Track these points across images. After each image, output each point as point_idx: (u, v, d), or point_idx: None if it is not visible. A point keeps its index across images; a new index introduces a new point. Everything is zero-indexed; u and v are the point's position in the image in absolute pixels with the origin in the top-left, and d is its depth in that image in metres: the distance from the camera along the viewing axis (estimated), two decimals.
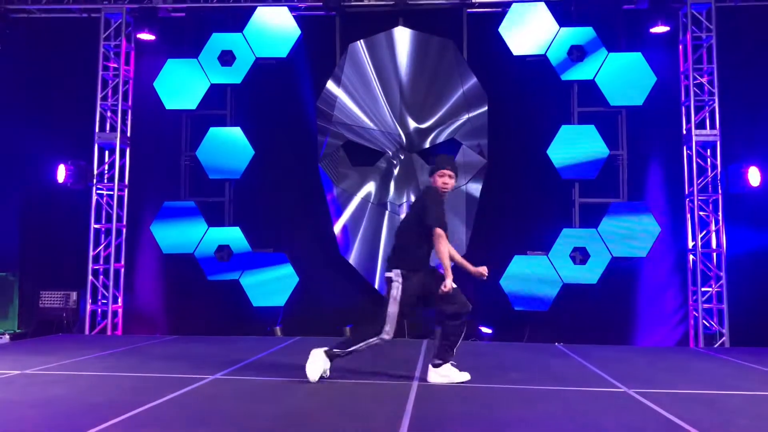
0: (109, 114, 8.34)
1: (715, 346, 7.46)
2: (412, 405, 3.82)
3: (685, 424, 3.43)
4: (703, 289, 7.62)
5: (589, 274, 7.65)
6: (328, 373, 4.54)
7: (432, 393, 4.18)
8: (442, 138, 7.94)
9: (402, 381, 4.56)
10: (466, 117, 7.90)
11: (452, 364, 4.57)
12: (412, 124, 7.94)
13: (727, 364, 5.73)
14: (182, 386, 4.29)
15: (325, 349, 4.52)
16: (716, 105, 7.76)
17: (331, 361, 4.52)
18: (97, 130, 8.26)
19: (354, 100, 8.01)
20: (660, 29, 7.90)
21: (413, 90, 7.98)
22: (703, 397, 4.24)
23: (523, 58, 7.95)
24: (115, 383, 4.48)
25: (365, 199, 8.00)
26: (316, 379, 4.43)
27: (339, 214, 7.99)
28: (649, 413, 3.71)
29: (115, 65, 8.40)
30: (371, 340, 4.43)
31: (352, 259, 7.93)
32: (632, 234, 7.64)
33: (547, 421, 3.54)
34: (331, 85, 8.04)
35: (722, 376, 5.13)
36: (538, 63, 7.95)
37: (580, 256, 7.71)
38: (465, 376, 4.54)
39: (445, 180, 4.55)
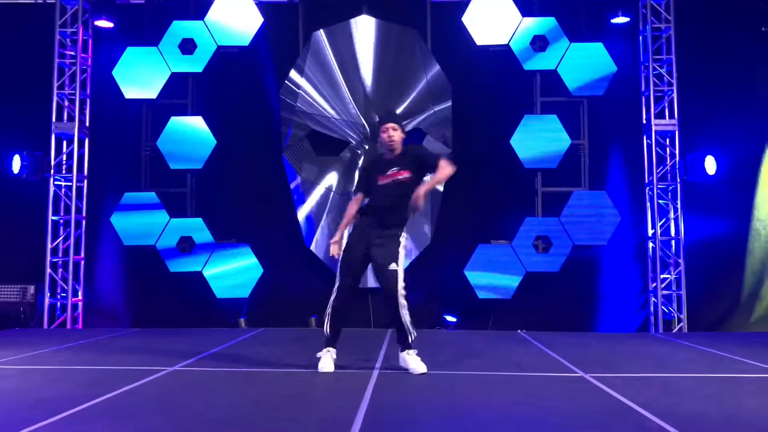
0: (66, 103, 8.15)
1: (674, 331, 7.62)
2: (371, 393, 3.82)
3: (636, 405, 3.50)
4: (662, 276, 7.78)
5: (552, 262, 7.75)
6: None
7: (392, 381, 4.19)
8: (407, 126, 7.92)
9: (362, 370, 4.55)
10: (431, 110, 7.89)
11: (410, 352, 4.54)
12: (376, 114, 7.92)
13: (682, 349, 5.85)
14: (139, 378, 4.23)
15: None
16: (675, 95, 7.90)
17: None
18: (54, 119, 8.07)
19: (317, 90, 7.96)
20: (620, 20, 8.02)
21: (377, 79, 7.96)
22: (657, 380, 4.33)
23: (486, 48, 7.99)
24: (71, 377, 4.39)
25: (329, 189, 7.97)
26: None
27: (302, 203, 7.94)
28: (602, 396, 3.77)
29: (72, 53, 8.20)
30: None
31: (316, 248, 7.90)
32: (593, 222, 7.75)
33: (504, 406, 3.58)
34: (293, 74, 7.98)
35: (676, 360, 5.25)
36: (501, 53, 7.99)
37: (543, 244, 7.81)
38: (422, 368, 4.46)
39: (389, 134, 4.52)
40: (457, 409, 3.50)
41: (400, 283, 4.41)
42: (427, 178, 4.53)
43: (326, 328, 4.61)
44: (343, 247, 4.57)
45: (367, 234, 4.51)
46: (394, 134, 4.54)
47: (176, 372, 4.54)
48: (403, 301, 4.41)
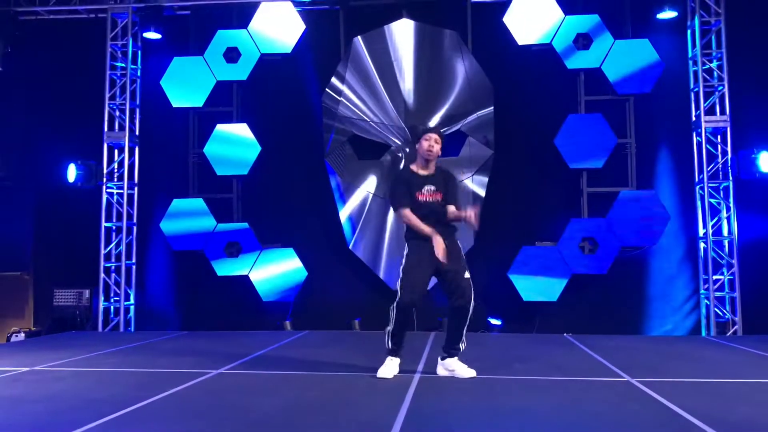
0: (117, 113, 8.43)
1: (728, 334, 7.37)
2: (411, 396, 3.83)
3: (683, 412, 3.40)
4: (714, 277, 7.53)
5: (599, 263, 7.58)
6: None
7: (433, 385, 4.18)
8: (448, 131, 7.90)
9: (404, 374, 4.55)
10: (474, 115, 7.84)
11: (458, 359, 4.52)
12: (418, 117, 7.91)
13: (736, 352, 5.66)
14: (186, 381, 4.34)
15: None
16: (726, 90, 7.64)
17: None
18: (105, 129, 8.36)
19: (358, 96, 8.01)
20: (667, 14, 7.79)
21: (417, 83, 7.95)
22: (707, 385, 4.20)
23: (528, 48, 7.88)
24: (121, 379, 4.53)
25: (369, 192, 8.00)
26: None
27: (344, 206, 8.00)
28: (648, 402, 3.69)
29: (123, 64, 8.47)
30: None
31: (360, 252, 7.95)
32: (642, 222, 7.54)
33: (545, 411, 3.53)
34: (335, 80, 8.05)
35: (729, 364, 5.08)
36: (543, 52, 7.87)
37: (589, 245, 7.65)
38: (470, 373, 4.45)
39: (431, 144, 4.48)
40: (496, 414, 3.47)
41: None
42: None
43: (387, 343, 4.51)
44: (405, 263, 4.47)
45: (429, 248, 4.36)
46: (436, 146, 4.51)
47: (221, 375, 4.63)
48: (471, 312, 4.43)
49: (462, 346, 4.48)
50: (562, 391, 4.03)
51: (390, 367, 4.46)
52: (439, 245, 4.30)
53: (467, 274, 4.42)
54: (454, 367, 4.46)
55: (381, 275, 7.86)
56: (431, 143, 4.50)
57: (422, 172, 4.55)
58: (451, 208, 4.46)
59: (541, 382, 4.36)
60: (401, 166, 7.87)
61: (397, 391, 3.97)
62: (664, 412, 3.46)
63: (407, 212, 4.46)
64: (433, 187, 4.47)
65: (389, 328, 4.46)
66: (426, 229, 4.39)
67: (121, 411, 3.52)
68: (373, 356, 5.11)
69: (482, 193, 7.83)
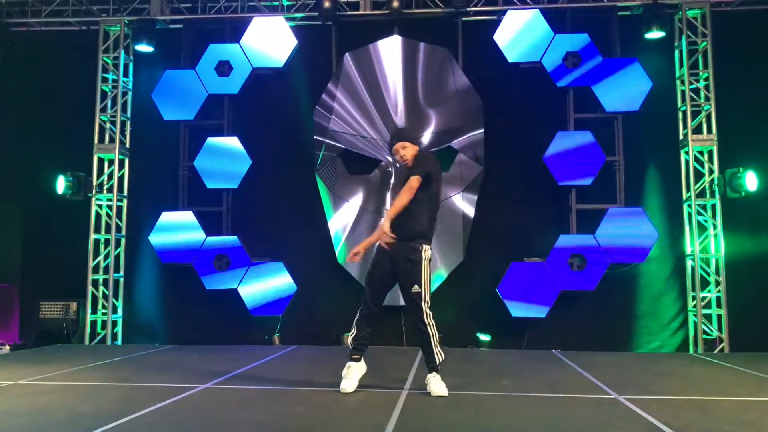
0: (108, 125, 8.42)
1: (715, 351, 7.40)
2: (399, 413, 3.81)
3: (670, 430, 3.41)
4: (702, 294, 7.58)
5: (587, 280, 7.61)
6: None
7: (421, 401, 4.17)
8: (439, 148, 7.93)
9: (392, 390, 4.54)
10: (465, 136, 7.88)
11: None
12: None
13: (723, 370, 5.68)
14: (172, 395, 4.30)
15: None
16: (713, 110, 7.73)
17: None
18: (96, 141, 8.33)
19: (349, 111, 8.05)
20: (655, 34, 7.89)
21: (408, 99, 8.01)
22: (694, 403, 4.22)
23: (518, 65, 7.95)
24: (106, 393, 4.50)
25: (362, 208, 8.01)
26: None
27: (335, 221, 8.00)
28: (635, 420, 3.69)
29: (114, 77, 8.48)
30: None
31: (350, 266, 7.94)
32: (630, 239, 7.59)
33: (532, 428, 3.53)
34: (327, 94, 8.09)
35: (716, 381, 5.10)
36: (533, 70, 7.95)
37: (578, 262, 7.68)
38: (442, 391, 4.34)
39: (401, 154, 4.53)
40: (484, 429, 3.46)
41: (425, 304, 4.31)
42: None
43: (349, 341, 4.56)
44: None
45: (386, 257, 4.39)
46: (405, 152, 4.52)
47: (207, 390, 4.60)
48: (429, 322, 4.32)
49: (438, 359, 4.36)
50: (550, 407, 4.03)
51: (350, 378, 4.42)
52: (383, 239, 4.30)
53: (416, 288, 4.31)
54: (428, 382, 4.39)
55: None
56: (400, 154, 4.54)
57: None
58: (384, 223, 4.29)
59: (528, 398, 4.36)
60: (392, 181, 7.91)
61: (385, 407, 3.96)
62: (651, 429, 3.47)
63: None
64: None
65: (352, 334, 4.52)
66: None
67: (105, 426, 3.49)
68: (371, 370, 5.10)
69: (471, 208, 7.86)
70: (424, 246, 4.38)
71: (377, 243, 4.47)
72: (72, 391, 4.58)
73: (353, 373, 4.46)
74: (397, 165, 4.63)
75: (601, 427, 3.54)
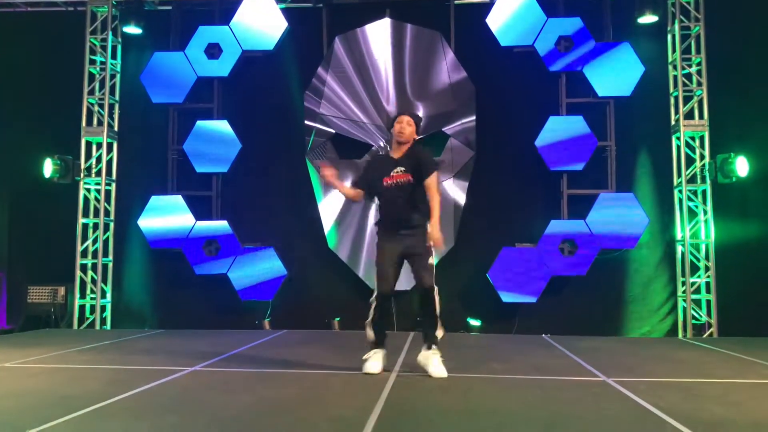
0: (96, 108, 8.33)
1: (704, 336, 7.43)
2: (387, 394, 3.80)
3: (658, 411, 3.41)
4: (691, 279, 7.60)
5: (578, 265, 7.62)
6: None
7: (409, 384, 4.15)
8: (430, 132, 7.89)
9: (381, 372, 4.52)
10: (458, 122, 7.83)
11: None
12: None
13: (710, 354, 5.70)
14: (159, 378, 4.27)
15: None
16: (705, 95, 7.72)
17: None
18: (84, 124, 8.25)
19: (341, 93, 7.99)
20: (648, 19, 7.85)
21: (399, 82, 7.96)
22: (682, 385, 4.22)
23: (510, 49, 7.91)
24: (93, 375, 4.46)
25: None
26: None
27: (325, 206, 7.96)
28: (624, 401, 3.69)
29: (102, 59, 8.37)
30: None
31: (340, 251, 7.91)
32: (621, 225, 7.59)
33: (520, 410, 3.52)
34: (319, 76, 8.02)
35: (704, 364, 5.11)
36: (525, 54, 7.91)
37: (569, 247, 7.68)
38: (441, 373, 4.39)
39: (402, 126, 4.48)
40: (472, 413, 3.46)
41: (434, 278, 4.42)
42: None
43: (369, 335, 4.55)
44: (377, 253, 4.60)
45: (395, 239, 4.46)
46: (407, 129, 4.48)
47: (195, 372, 4.57)
48: (436, 296, 4.40)
49: (439, 334, 4.44)
50: (538, 390, 4.02)
51: (375, 360, 4.48)
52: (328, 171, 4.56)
53: (430, 260, 4.39)
54: (427, 362, 4.42)
55: (361, 274, 7.83)
56: (402, 126, 4.49)
57: (395, 156, 4.54)
58: (433, 232, 4.33)
59: (517, 381, 4.36)
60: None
61: (374, 389, 3.94)
62: (639, 410, 3.47)
63: (351, 189, 4.74)
64: (402, 168, 4.44)
65: (369, 319, 4.51)
66: (339, 184, 4.68)
67: (91, 407, 3.46)
68: (351, 355, 5.09)
69: (463, 194, 7.83)
70: (427, 226, 4.48)
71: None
72: (59, 374, 4.54)
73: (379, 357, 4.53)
74: (393, 134, 4.54)
75: (588, 408, 3.54)
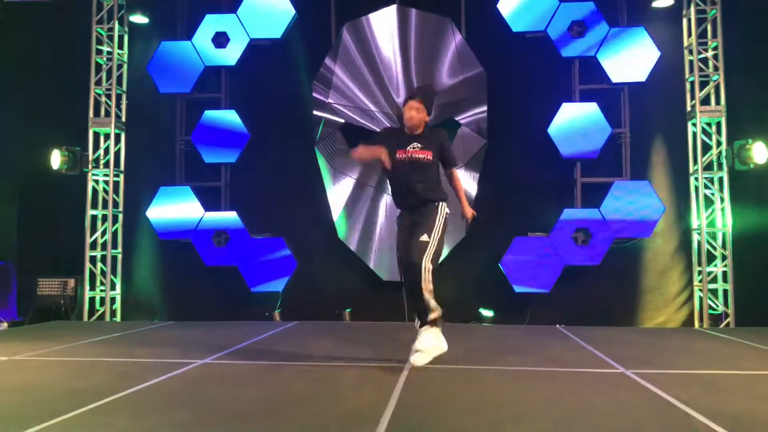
0: (103, 99, 8.25)
1: (721, 326, 7.31)
2: (401, 387, 3.72)
3: (680, 404, 3.31)
4: (708, 269, 7.47)
5: (592, 255, 7.49)
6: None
7: (423, 376, 4.05)
8: (441, 119, 7.76)
9: (394, 364, 4.44)
10: (470, 113, 7.70)
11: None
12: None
13: (729, 344, 5.58)
14: (169, 371, 4.21)
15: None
16: (721, 80, 7.55)
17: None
18: (91, 115, 8.18)
19: (351, 82, 7.87)
20: (663, 3, 7.71)
21: (409, 70, 7.82)
22: (703, 377, 4.11)
23: (522, 35, 7.76)
24: (102, 368, 4.40)
25: (362, 182, 7.87)
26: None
27: (335, 195, 7.87)
28: (644, 393, 3.59)
29: (109, 49, 8.29)
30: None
31: (350, 241, 7.82)
32: (636, 214, 7.46)
33: (537, 402, 3.43)
34: (326, 66, 7.90)
35: (724, 355, 4.99)
36: (538, 39, 7.75)
37: (583, 236, 7.55)
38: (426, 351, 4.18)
39: (410, 114, 4.36)
40: (489, 404, 3.37)
41: (428, 256, 4.11)
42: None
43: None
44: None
45: (407, 212, 4.46)
46: (416, 115, 4.36)
47: (205, 365, 4.51)
48: (427, 266, 4.09)
49: (433, 315, 4.13)
50: (555, 382, 3.93)
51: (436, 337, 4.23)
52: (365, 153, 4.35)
53: (425, 237, 4.17)
54: (416, 344, 4.19)
55: (371, 265, 7.74)
56: (411, 113, 4.36)
57: (408, 132, 4.45)
58: (465, 207, 4.52)
59: (533, 373, 4.26)
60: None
61: (387, 381, 3.86)
62: (660, 403, 3.37)
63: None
64: (419, 145, 4.33)
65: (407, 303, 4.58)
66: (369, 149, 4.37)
67: (100, 401, 3.40)
68: (363, 347, 5.02)
69: (474, 182, 7.71)
70: (441, 203, 4.38)
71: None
72: (67, 366, 4.49)
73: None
74: (404, 121, 4.43)
75: (607, 400, 3.44)
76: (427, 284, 4.11)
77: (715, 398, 3.46)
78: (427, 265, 4.10)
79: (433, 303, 4.14)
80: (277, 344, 5.58)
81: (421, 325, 4.24)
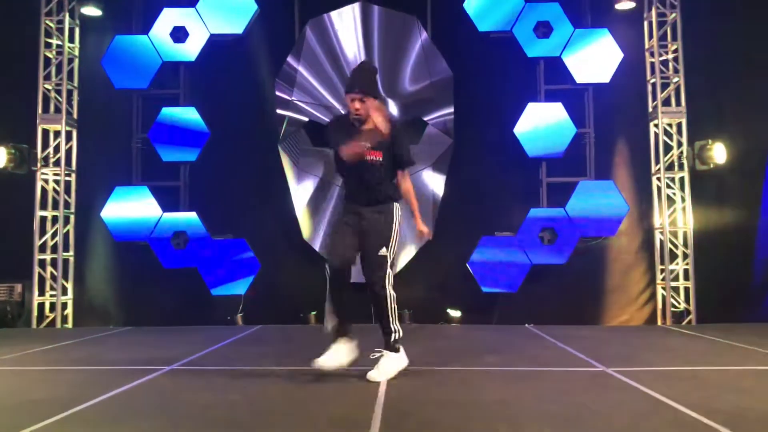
0: (53, 94, 7.84)
1: (683, 324, 7.42)
2: (384, 391, 3.58)
3: (670, 401, 3.27)
4: (670, 267, 7.58)
5: (558, 254, 7.52)
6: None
7: (405, 380, 3.89)
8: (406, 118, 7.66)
9: (369, 368, 4.25)
10: (436, 114, 7.62)
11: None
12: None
13: (699, 341, 5.65)
14: (134, 378, 3.96)
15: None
16: (681, 82, 7.69)
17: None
18: (40, 111, 7.76)
19: (314, 79, 7.69)
20: (625, 5, 7.81)
21: (378, 68, 7.68)
22: (683, 373, 4.11)
23: (488, 35, 7.74)
24: (61, 377, 4.12)
25: (327, 180, 7.70)
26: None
27: (300, 195, 7.67)
28: (632, 391, 3.55)
29: (59, 42, 7.89)
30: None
31: (315, 242, 7.64)
32: (601, 213, 7.51)
33: (530, 402, 3.34)
34: (289, 63, 7.70)
35: (698, 352, 5.04)
36: (503, 39, 7.74)
37: (549, 236, 7.57)
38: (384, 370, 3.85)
39: (355, 106, 3.84)
40: (481, 406, 3.26)
41: (389, 278, 3.83)
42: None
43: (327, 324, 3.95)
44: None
45: (356, 215, 3.92)
46: (362, 107, 3.84)
47: (173, 371, 4.27)
48: (390, 293, 3.83)
49: (394, 337, 3.87)
50: (541, 381, 3.86)
51: (335, 353, 3.88)
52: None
53: (383, 251, 3.81)
54: (378, 363, 3.87)
55: None
56: (355, 105, 3.85)
57: (359, 127, 3.91)
58: (419, 224, 4.03)
59: (517, 373, 4.19)
60: None
61: (369, 386, 3.71)
62: (650, 400, 3.33)
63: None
64: (368, 144, 3.80)
65: (327, 305, 3.95)
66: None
67: (64, 412, 3.14)
68: None
69: (441, 182, 7.63)
70: (394, 204, 3.94)
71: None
72: (22, 376, 4.18)
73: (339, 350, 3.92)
74: (352, 112, 3.94)
75: (600, 399, 3.38)
76: (393, 310, 3.86)
77: (703, 394, 3.44)
78: (390, 291, 3.83)
79: (396, 325, 3.89)
80: (247, 348, 5.37)
81: (386, 348, 3.92)
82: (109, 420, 3.05)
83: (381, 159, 3.88)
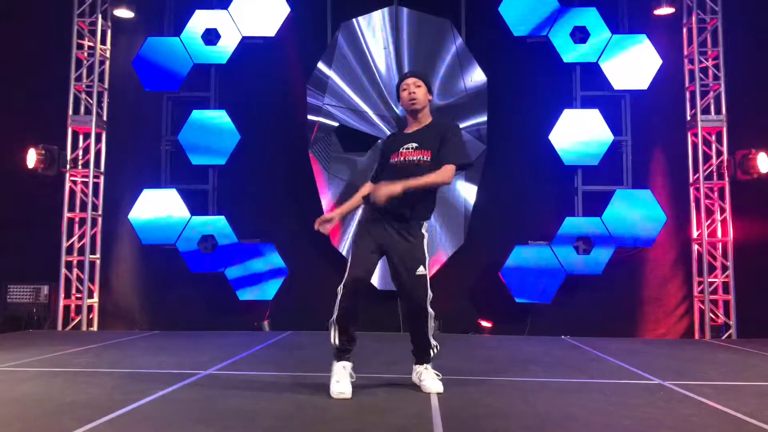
0: (83, 96, 7.80)
1: (722, 338, 7.19)
2: (437, 401, 3.41)
3: (746, 417, 3.09)
4: (709, 279, 7.36)
5: (594, 264, 7.32)
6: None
7: (455, 389, 3.73)
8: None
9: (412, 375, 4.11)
10: (470, 122, 7.47)
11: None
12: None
13: (750, 355, 5.43)
14: (173, 382, 3.83)
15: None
16: (722, 89, 7.51)
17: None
18: (70, 112, 7.71)
19: (347, 83, 7.58)
20: (664, 11, 7.65)
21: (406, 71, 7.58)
22: (748, 388, 3.91)
23: (523, 40, 7.61)
24: (96, 380, 3.98)
25: (357, 186, 7.53)
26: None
27: (330, 201, 7.54)
28: (700, 406, 3.36)
29: (91, 44, 7.85)
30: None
31: (344, 248, 7.50)
32: (638, 223, 7.32)
33: (596, 416, 3.15)
34: (322, 66, 7.60)
35: (753, 366, 4.82)
36: (539, 45, 7.62)
37: (584, 245, 7.38)
38: (437, 387, 3.66)
39: (410, 92, 3.68)
40: (544, 419, 3.08)
41: (429, 290, 3.65)
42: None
43: (333, 337, 3.65)
44: (352, 238, 3.88)
45: (380, 226, 3.67)
46: (418, 91, 3.67)
47: (212, 376, 4.14)
48: (430, 311, 3.66)
49: (433, 352, 3.75)
50: (599, 394, 3.67)
51: (342, 378, 3.57)
52: (323, 222, 3.84)
53: (421, 270, 3.61)
54: (423, 378, 3.72)
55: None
56: (410, 91, 3.68)
57: (408, 130, 3.79)
58: (389, 186, 3.49)
59: (570, 384, 4.00)
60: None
61: (419, 395, 3.55)
62: (724, 416, 3.14)
63: (365, 186, 3.86)
64: (415, 144, 3.64)
65: (332, 318, 3.63)
66: (342, 207, 3.92)
67: (107, 416, 3.00)
68: (369, 357, 4.72)
69: (473, 189, 7.48)
70: (423, 223, 3.73)
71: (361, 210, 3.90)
72: (58, 378, 4.05)
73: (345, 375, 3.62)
74: (403, 105, 3.77)
75: (670, 413, 3.19)
76: (431, 327, 3.72)
77: None
78: (430, 310, 3.67)
79: (434, 342, 3.77)
80: (282, 354, 5.24)
81: (422, 362, 3.79)
82: (153, 425, 2.91)
83: (429, 159, 3.65)
